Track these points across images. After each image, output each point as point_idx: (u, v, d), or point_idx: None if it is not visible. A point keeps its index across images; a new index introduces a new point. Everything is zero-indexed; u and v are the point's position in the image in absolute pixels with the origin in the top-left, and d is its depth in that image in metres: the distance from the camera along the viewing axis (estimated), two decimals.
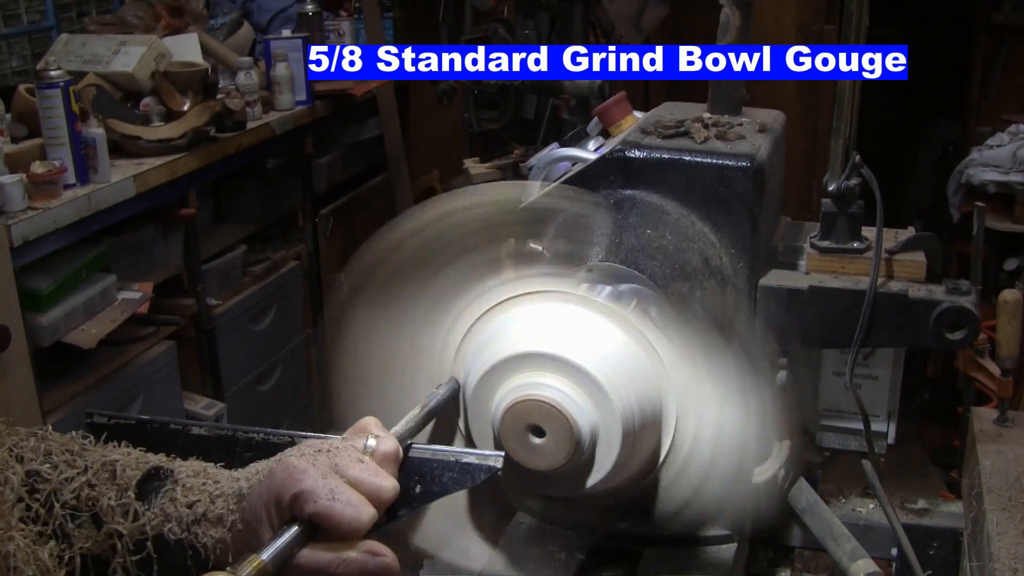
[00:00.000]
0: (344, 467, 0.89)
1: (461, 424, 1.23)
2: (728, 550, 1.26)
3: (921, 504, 1.50)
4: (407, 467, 0.96)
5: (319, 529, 0.87)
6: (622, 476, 1.16)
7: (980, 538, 1.32)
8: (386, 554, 0.87)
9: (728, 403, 1.16)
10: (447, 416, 1.22)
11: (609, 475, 1.13)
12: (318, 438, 0.95)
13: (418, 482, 0.96)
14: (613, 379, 1.10)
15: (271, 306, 3.58)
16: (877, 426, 1.38)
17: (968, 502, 1.45)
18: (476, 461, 0.96)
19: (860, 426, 1.35)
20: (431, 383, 1.21)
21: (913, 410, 4.02)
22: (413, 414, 1.06)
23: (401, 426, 1.03)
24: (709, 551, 1.27)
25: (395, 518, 0.95)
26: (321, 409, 4.03)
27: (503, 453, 0.99)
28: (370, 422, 0.97)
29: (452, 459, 0.96)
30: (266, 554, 0.84)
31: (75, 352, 2.60)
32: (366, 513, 0.87)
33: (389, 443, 0.94)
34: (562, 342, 1.11)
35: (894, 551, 1.43)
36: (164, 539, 0.93)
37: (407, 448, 0.97)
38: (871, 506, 1.49)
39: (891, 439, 1.40)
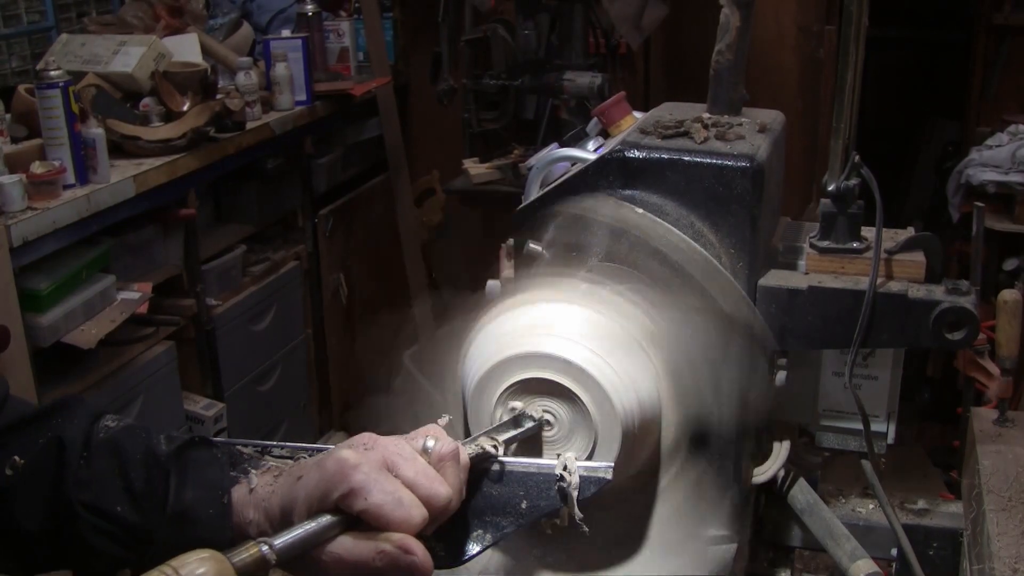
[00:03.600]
0: (399, 466, 0.86)
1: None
2: (728, 550, 1.26)
3: (921, 504, 1.50)
4: (512, 482, 0.93)
5: (359, 523, 0.85)
6: (622, 476, 1.16)
7: (980, 538, 1.32)
8: (416, 552, 0.85)
9: (728, 403, 1.16)
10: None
11: None
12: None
13: (524, 497, 0.93)
14: (613, 379, 1.10)
15: (271, 306, 3.58)
16: (877, 426, 1.38)
17: (968, 502, 1.45)
18: (585, 473, 0.93)
19: (860, 426, 1.35)
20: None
21: (913, 410, 4.02)
22: (489, 440, 0.98)
23: (470, 442, 0.96)
24: (709, 551, 1.27)
25: (502, 534, 0.92)
26: (321, 409, 4.03)
27: (612, 464, 0.96)
28: (431, 427, 0.93)
29: (559, 472, 0.93)
30: (270, 543, 0.81)
31: (75, 352, 2.60)
32: (417, 514, 0.84)
33: (448, 444, 0.90)
34: (562, 342, 1.11)
35: (894, 551, 1.43)
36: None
37: (489, 464, 0.94)
38: (871, 506, 1.49)
39: (891, 439, 1.39)
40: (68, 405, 1.02)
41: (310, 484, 0.87)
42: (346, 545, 0.85)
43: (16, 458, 0.97)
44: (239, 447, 0.99)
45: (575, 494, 0.93)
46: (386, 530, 0.84)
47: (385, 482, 0.85)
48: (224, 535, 0.91)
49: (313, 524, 0.84)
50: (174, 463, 0.95)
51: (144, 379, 2.88)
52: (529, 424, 1.05)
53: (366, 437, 0.90)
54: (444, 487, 0.87)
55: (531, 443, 1.06)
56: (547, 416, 1.09)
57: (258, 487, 0.93)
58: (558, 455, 0.98)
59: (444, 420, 0.95)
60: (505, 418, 1.08)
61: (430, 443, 0.90)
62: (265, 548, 0.80)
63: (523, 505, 0.93)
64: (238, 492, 0.93)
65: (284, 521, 0.89)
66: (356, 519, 0.85)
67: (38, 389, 2.46)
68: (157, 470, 0.95)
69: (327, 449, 0.92)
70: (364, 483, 0.84)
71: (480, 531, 0.94)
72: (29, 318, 2.44)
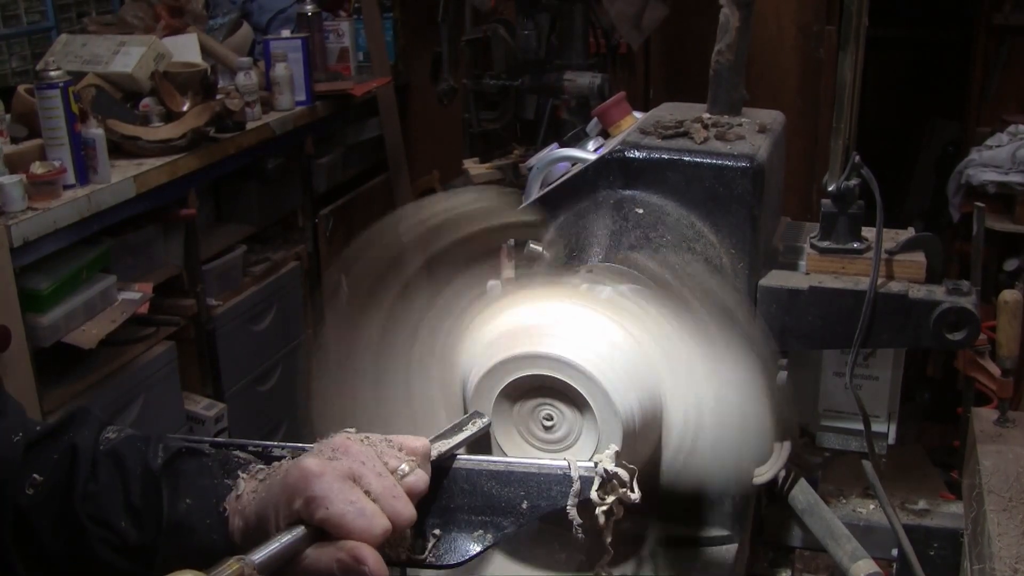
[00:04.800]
0: (364, 477, 0.86)
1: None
2: (728, 550, 1.26)
3: (921, 504, 1.50)
4: (512, 482, 0.93)
5: (326, 534, 0.84)
6: None
7: (980, 538, 1.32)
8: (368, 561, 0.83)
9: (729, 402, 1.16)
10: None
11: None
12: (351, 437, 0.90)
13: (524, 497, 0.92)
14: (613, 379, 1.10)
15: (271, 307, 3.58)
16: (877, 426, 1.38)
17: (968, 502, 1.45)
18: (585, 473, 0.93)
19: (860, 426, 1.35)
20: (430, 385, 1.20)
21: (913, 410, 4.01)
22: (448, 443, 0.97)
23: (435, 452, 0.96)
24: (709, 551, 1.27)
25: (502, 534, 0.92)
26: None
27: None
28: (419, 447, 0.91)
29: (560, 472, 0.93)
30: (249, 559, 0.80)
31: (75, 352, 2.60)
32: (379, 525, 0.83)
33: (422, 481, 0.89)
34: (562, 342, 1.11)
35: (894, 552, 1.43)
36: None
37: (447, 463, 0.94)
38: (871, 506, 1.49)
39: (891, 439, 1.40)
40: (78, 416, 1.02)
41: (276, 493, 0.87)
42: (310, 556, 0.84)
43: (35, 476, 0.97)
44: (234, 451, 0.99)
45: (575, 496, 0.93)
46: (348, 540, 0.83)
47: (348, 492, 0.84)
48: (221, 544, 0.91)
49: (288, 536, 0.84)
50: (165, 476, 0.95)
51: (144, 379, 2.88)
52: (480, 424, 1.04)
53: (337, 442, 0.89)
54: (408, 508, 0.86)
55: (480, 444, 1.05)
56: (549, 417, 1.09)
57: (244, 493, 0.92)
58: (558, 455, 0.98)
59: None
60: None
61: (404, 467, 0.89)
62: (244, 564, 0.80)
63: (523, 505, 0.93)
64: (229, 499, 0.93)
65: (260, 529, 0.88)
66: (322, 531, 0.85)
67: (38, 389, 2.46)
68: (151, 484, 0.95)
69: (362, 437, 0.91)
70: (325, 492, 0.83)
71: (480, 531, 0.93)
72: (30, 318, 2.44)
